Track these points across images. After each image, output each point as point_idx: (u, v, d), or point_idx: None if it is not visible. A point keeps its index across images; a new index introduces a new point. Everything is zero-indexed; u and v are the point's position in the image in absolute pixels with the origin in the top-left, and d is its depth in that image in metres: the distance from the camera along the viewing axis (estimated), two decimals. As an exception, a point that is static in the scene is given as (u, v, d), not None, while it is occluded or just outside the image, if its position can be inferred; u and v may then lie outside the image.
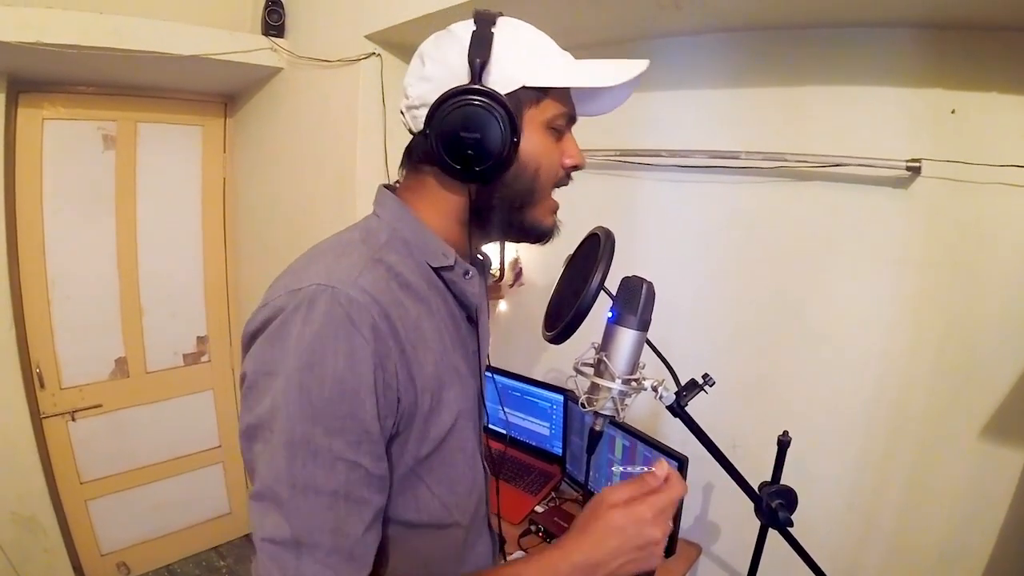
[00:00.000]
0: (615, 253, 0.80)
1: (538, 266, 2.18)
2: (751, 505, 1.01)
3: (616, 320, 0.71)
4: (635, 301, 0.71)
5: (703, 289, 1.72)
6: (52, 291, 2.40)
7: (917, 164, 1.31)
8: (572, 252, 0.89)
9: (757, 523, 1.08)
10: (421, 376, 0.67)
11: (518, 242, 0.82)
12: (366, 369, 0.60)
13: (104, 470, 2.61)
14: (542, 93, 0.71)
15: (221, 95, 2.75)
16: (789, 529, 0.98)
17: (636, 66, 0.70)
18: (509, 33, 0.70)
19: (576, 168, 0.77)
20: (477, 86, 0.66)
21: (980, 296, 1.31)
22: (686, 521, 1.73)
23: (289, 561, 0.58)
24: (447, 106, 0.66)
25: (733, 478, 0.96)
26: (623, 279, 0.74)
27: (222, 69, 2.22)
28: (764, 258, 1.61)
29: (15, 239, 2.25)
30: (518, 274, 2.21)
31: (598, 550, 0.63)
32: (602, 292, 0.78)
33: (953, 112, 1.30)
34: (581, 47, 1.85)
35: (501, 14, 0.71)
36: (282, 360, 0.60)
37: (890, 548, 1.46)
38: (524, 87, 0.69)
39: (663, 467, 0.69)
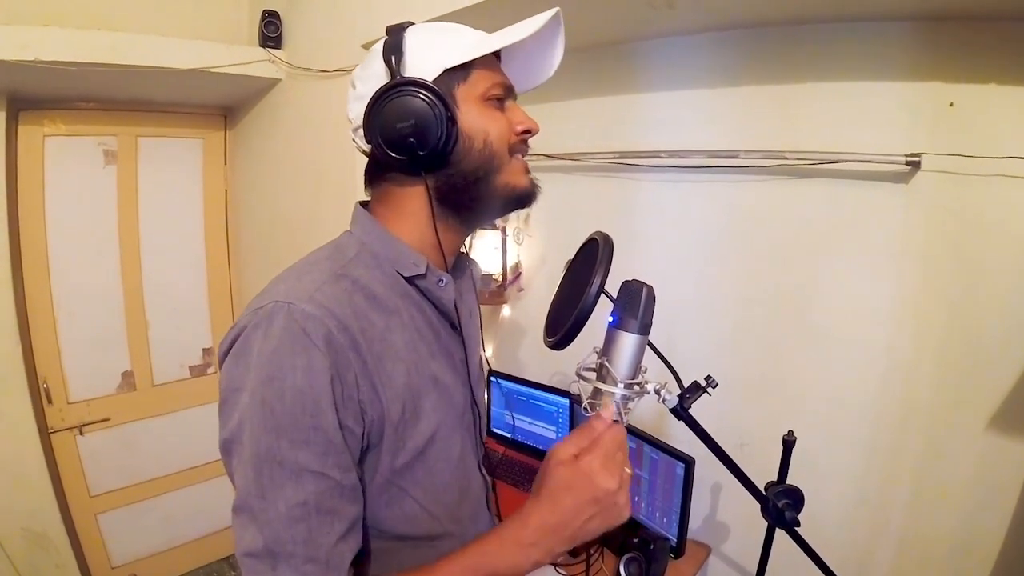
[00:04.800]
0: (615, 256, 0.80)
1: (540, 271, 2.18)
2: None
3: (617, 324, 0.71)
4: (636, 305, 0.70)
5: (706, 289, 1.72)
6: (57, 307, 2.41)
7: (917, 158, 1.30)
8: (571, 257, 0.89)
9: (766, 523, 1.08)
10: (389, 387, 0.68)
11: (506, 213, 0.82)
12: (323, 381, 0.61)
13: (113, 483, 2.62)
14: (466, 69, 0.72)
15: (220, 107, 2.76)
16: (797, 528, 0.98)
17: (544, 15, 0.71)
18: (420, 30, 0.73)
19: (528, 133, 0.78)
20: (396, 79, 0.69)
21: (983, 288, 1.31)
22: (695, 522, 1.73)
23: (266, 573, 0.60)
24: (377, 107, 0.69)
25: (738, 479, 0.96)
26: (623, 283, 0.73)
27: (220, 82, 2.23)
28: (766, 256, 1.60)
29: (19, 256, 2.27)
30: (516, 277, 2.21)
31: (555, 511, 0.61)
32: (603, 296, 0.78)
33: (951, 105, 1.30)
34: (574, 50, 1.85)
35: (410, 22, 0.74)
36: (245, 376, 0.62)
37: (900, 541, 1.45)
38: (447, 69, 0.71)
39: (608, 411, 0.66)
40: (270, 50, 2.25)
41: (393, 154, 0.70)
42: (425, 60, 0.71)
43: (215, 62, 2.10)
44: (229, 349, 0.66)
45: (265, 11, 2.24)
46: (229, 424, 0.64)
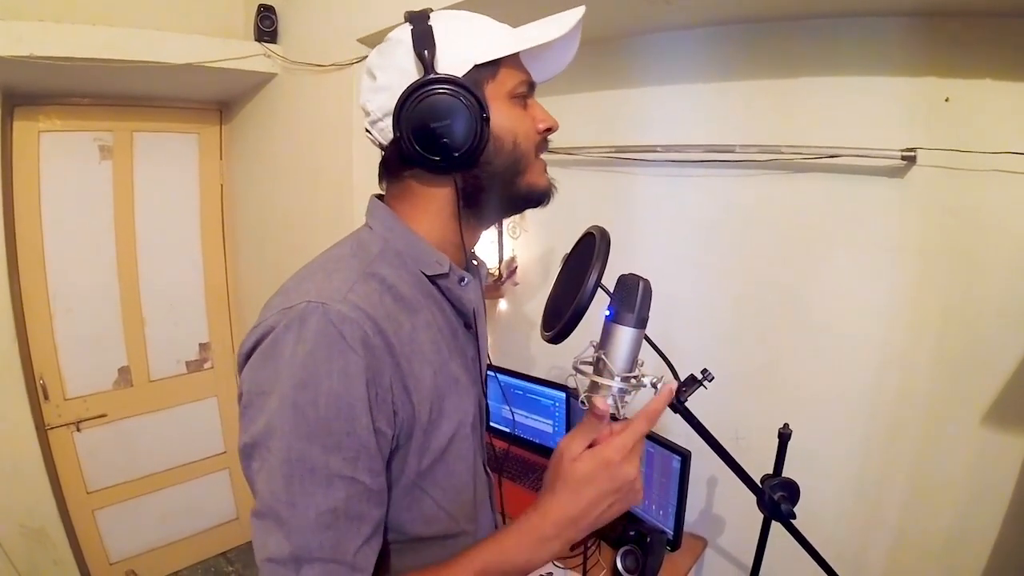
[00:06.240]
0: (612, 250, 0.80)
1: (537, 265, 2.18)
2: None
3: (613, 318, 0.71)
4: (632, 299, 0.70)
5: (702, 283, 1.72)
6: (53, 303, 2.40)
7: (912, 153, 1.31)
8: (568, 252, 0.89)
9: (762, 515, 1.08)
10: (419, 389, 0.67)
11: (520, 211, 0.81)
12: (360, 385, 0.60)
13: (111, 479, 2.62)
14: (495, 66, 0.71)
15: (216, 102, 2.75)
16: (792, 520, 0.98)
17: (573, 14, 0.70)
18: (447, 20, 0.70)
19: (550, 131, 0.77)
20: (432, 75, 0.66)
21: (979, 283, 1.31)
22: (691, 515, 1.73)
23: None
24: (410, 103, 0.67)
25: (734, 472, 0.96)
26: (620, 277, 0.73)
27: (216, 76, 2.22)
28: (762, 250, 1.61)
29: (15, 252, 2.26)
30: (512, 271, 2.21)
31: (575, 503, 0.62)
32: (599, 290, 0.78)
33: (947, 100, 1.30)
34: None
35: (431, 9, 0.71)
36: (275, 379, 0.60)
37: (896, 535, 1.46)
38: (476, 65, 0.69)
39: (602, 402, 0.65)
40: (266, 44, 2.24)
41: (425, 153, 0.68)
42: (456, 54, 0.68)
43: (210, 57, 2.09)
44: (253, 349, 0.63)
45: (260, 5, 2.22)
46: (252, 428, 0.61)
